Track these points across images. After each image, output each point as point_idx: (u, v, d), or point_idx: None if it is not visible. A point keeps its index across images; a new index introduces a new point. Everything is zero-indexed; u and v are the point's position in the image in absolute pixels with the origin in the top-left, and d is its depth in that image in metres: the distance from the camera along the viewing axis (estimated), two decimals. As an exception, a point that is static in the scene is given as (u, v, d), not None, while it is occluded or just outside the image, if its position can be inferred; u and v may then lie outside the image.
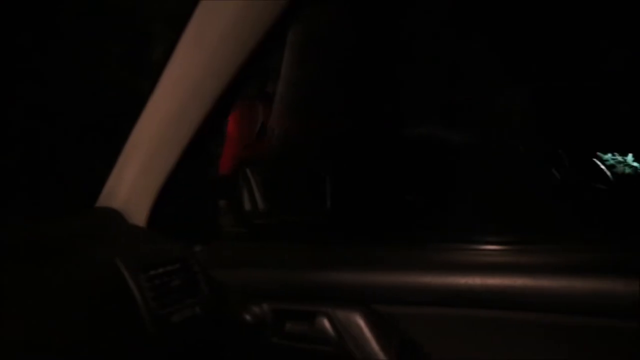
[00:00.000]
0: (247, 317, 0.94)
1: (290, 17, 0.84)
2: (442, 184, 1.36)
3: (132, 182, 1.01)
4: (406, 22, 1.40)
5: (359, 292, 0.92)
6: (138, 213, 1.03)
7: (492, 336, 0.88)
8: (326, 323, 0.91)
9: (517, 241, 0.96)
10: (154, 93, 0.92)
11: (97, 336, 0.75)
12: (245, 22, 0.81)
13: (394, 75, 1.38)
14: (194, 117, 0.92)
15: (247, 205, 1.15)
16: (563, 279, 0.82)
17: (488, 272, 0.88)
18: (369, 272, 0.92)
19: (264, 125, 1.30)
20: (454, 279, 0.89)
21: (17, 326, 0.64)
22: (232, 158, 1.32)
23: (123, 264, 0.84)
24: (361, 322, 0.89)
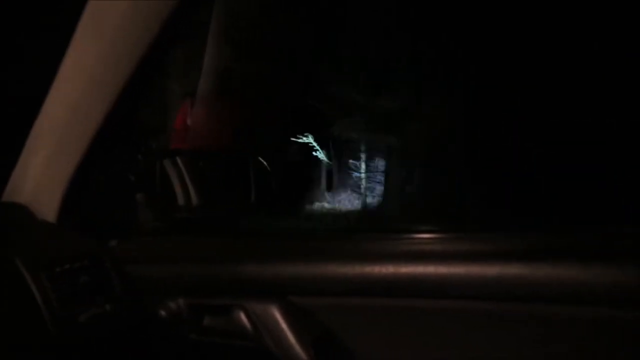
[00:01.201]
0: (163, 312, 0.92)
1: (190, 5, 0.81)
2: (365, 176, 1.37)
3: (39, 176, 0.96)
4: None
5: (276, 284, 0.91)
6: (47, 208, 0.98)
7: (411, 325, 0.89)
8: (243, 317, 0.90)
9: (433, 230, 0.98)
10: (54, 84, 0.87)
11: None
12: (140, 13, 0.78)
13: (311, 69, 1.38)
14: (97, 109, 0.87)
15: (166, 199, 1.12)
16: (484, 266, 0.83)
17: (404, 261, 0.89)
18: (286, 263, 0.92)
19: (186, 119, 1.27)
20: (371, 268, 0.89)
21: None
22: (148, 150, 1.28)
23: (22, 263, 0.79)
24: (278, 315, 0.89)
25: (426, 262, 0.87)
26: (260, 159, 1.18)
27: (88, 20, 0.78)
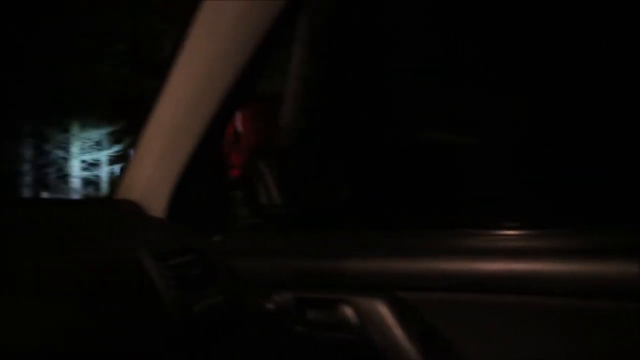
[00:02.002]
0: (269, 305, 0.94)
1: (299, 6, 0.83)
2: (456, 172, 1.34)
3: (150, 174, 1.01)
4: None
5: (380, 279, 0.91)
6: (156, 204, 1.03)
7: (517, 322, 0.87)
8: (348, 311, 0.90)
9: (535, 226, 0.95)
10: (167, 86, 0.92)
11: (121, 326, 0.75)
12: (255, 10, 0.80)
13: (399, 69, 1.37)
14: (208, 108, 0.91)
15: (262, 196, 1.14)
16: (583, 263, 0.81)
17: (510, 257, 0.87)
18: (391, 259, 0.91)
19: (276, 119, 1.30)
20: (478, 264, 0.88)
21: (38, 311, 0.65)
22: (247, 150, 1.32)
23: (145, 254, 0.83)
24: (383, 310, 0.88)
25: (535, 259, 0.85)
26: (352, 156, 1.18)
27: (202, 21, 0.82)
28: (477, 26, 1.35)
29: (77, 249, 0.80)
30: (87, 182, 11.52)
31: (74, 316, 0.69)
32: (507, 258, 0.87)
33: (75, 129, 10.69)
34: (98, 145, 11.00)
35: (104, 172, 11.38)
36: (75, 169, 11.15)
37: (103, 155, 11.09)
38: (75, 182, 11.23)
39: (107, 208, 1.02)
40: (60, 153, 10.78)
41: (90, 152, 11.03)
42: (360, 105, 1.34)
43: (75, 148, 10.93)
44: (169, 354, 0.81)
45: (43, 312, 0.65)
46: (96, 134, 10.78)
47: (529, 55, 1.32)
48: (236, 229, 1.09)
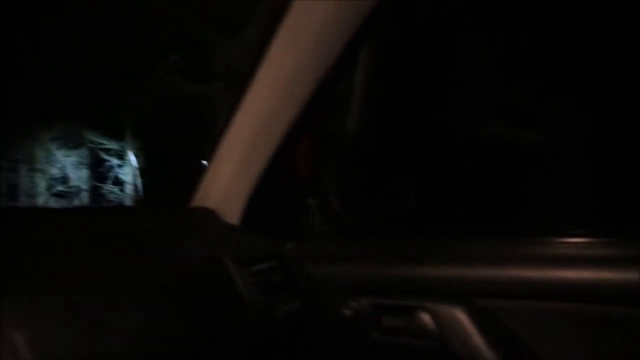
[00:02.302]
0: (346, 311, 0.95)
1: (378, 15, 0.84)
2: (522, 178, 1.32)
3: (227, 182, 1.05)
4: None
5: (458, 286, 0.90)
6: (232, 212, 1.06)
7: (596, 331, 0.84)
8: (427, 317, 0.90)
9: (606, 233, 0.92)
10: (247, 95, 0.94)
11: (206, 329, 0.78)
12: (338, 21, 0.82)
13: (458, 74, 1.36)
14: (287, 117, 0.94)
15: (335, 203, 1.16)
16: None
17: (589, 266, 0.85)
18: (468, 266, 0.91)
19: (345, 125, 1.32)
20: (555, 272, 0.86)
21: (128, 313, 0.68)
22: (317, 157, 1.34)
23: (230, 261, 0.86)
24: (463, 317, 0.87)
25: (608, 267, 0.82)
26: (422, 163, 1.18)
27: (284, 33, 0.84)
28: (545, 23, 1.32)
29: (165, 255, 0.84)
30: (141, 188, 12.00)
31: (162, 318, 0.72)
32: (579, 266, 0.85)
33: (129, 138, 11.15)
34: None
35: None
36: (129, 176, 11.61)
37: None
38: (129, 189, 11.68)
39: (186, 215, 1.06)
40: (116, 161, 11.26)
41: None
42: (426, 110, 1.34)
43: (129, 156, 11.39)
44: (252, 357, 0.83)
45: (133, 314, 0.69)
46: (149, 142, 11.20)
47: (601, 50, 1.28)
48: (309, 236, 1.11)
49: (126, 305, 0.69)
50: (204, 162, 1.17)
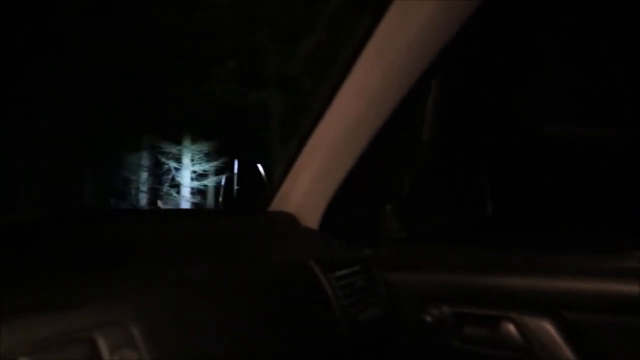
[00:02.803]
0: (427, 318, 0.95)
1: (472, 25, 0.84)
2: (601, 184, 1.27)
3: (307, 188, 1.07)
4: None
5: (546, 298, 0.89)
6: (311, 217, 1.09)
7: None
8: (512, 328, 0.89)
9: None
10: (334, 101, 0.96)
11: (297, 333, 0.80)
12: (432, 28, 0.83)
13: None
14: (372, 125, 0.95)
15: (411, 210, 1.16)
16: None
17: None
18: (556, 278, 0.89)
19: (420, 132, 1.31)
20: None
21: (227, 316, 0.70)
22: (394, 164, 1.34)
23: (316, 265, 0.88)
24: (552, 329, 0.86)
25: None
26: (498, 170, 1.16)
27: (375, 43, 0.85)
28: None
29: (254, 259, 0.87)
30: (197, 192, 12.37)
31: (258, 321, 0.75)
32: None
33: (186, 142, 11.53)
34: (206, 157, 11.77)
35: (210, 182, 12.14)
36: (186, 179, 12.00)
37: (210, 167, 11.85)
38: (186, 191, 12.08)
39: (267, 219, 1.09)
40: (173, 164, 11.67)
41: (199, 163, 11.85)
42: (504, 114, 1.32)
43: (186, 159, 11.78)
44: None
45: (233, 317, 0.72)
46: (205, 146, 11.55)
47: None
48: (386, 242, 1.11)
49: (226, 308, 0.72)
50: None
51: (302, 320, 0.82)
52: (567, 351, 0.84)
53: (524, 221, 1.22)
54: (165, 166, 11.67)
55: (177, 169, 11.82)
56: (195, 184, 12.16)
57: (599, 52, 1.36)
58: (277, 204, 1.14)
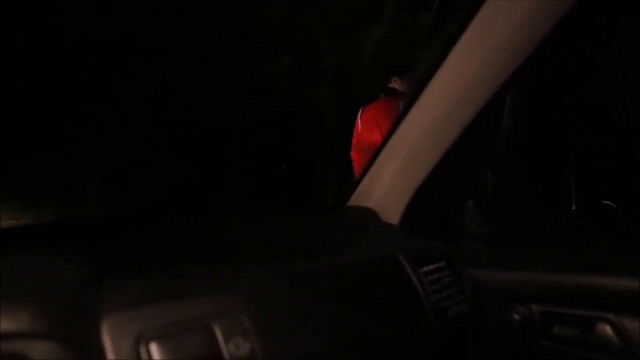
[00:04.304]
0: (515, 317, 0.93)
1: (571, 22, 0.82)
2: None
3: (390, 183, 1.07)
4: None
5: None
6: (392, 213, 1.09)
7: None
8: (608, 330, 0.86)
9: None
10: (421, 98, 0.96)
11: (386, 324, 0.80)
12: (527, 27, 0.81)
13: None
14: (459, 123, 0.94)
15: (493, 206, 1.14)
16: None
17: None
18: None
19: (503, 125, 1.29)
20: None
21: (324, 310, 0.72)
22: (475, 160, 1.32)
23: (405, 259, 0.89)
24: None
25: None
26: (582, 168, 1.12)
27: (470, 38, 0.85)
28: None
29: (343, 251, 0.89)
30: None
31: (352, 315, 0.76)
32: None
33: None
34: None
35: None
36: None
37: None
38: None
39: (349, 214, 1.11)
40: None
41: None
42: (587, 107, 1.28)
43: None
44: (429, 358, 0.85)
45: (329, 311, 0.73)
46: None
47: None
48: (467, 239, 1.10)
49: (325, 300, 0.74)
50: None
51: (394, 314, 0.83)
52: None
53: (610, 218, 1.17)
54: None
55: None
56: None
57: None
58: (356, 200, 1.15)
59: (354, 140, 2.95)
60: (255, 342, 0.61)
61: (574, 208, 1.17)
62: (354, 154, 2.97)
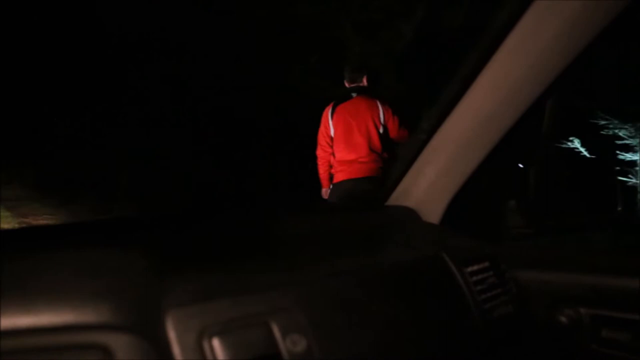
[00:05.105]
0: (562, 319, 0.92)
1: (622, 19, 0.80)
2: None
3: (430, 182, 1.07)
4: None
5: None
6: (432, 211, 1.09)
7: None
8: None
9: None
10: (463, 99, 0.95)
11: (432, 323, 0.80)
12: (579, 25, 0.80)
13: None
14: (506, 122, 0.93)
15: (536, 206, 1.13)
16: None
17: None
18: None
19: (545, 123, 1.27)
20: None
21: (367, 306, 0.72)
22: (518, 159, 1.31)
23: (449, 258, 0.89)
24: None
25: None
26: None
27: (516, 37, 0.84)
28: None
29: (387, 250, 0.89)
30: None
31: (396, 310, 0.76)
32: None
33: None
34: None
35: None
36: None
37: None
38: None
39: (389, 213, 1.11)
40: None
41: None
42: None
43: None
44: (474, 356, 0.85)
45: (377, 309, 0.74)
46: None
47: None
48: (509, 239, 1.09)
49: (374, 298, 0.74)
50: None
51: (441, 314, 0.83)
52: None
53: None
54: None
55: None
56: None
57: None
58: (396, 199, 1.15)
59: (321, 137, 3.22)
60: (311, 338, 0.61)
61: (619, 208, 1.15)
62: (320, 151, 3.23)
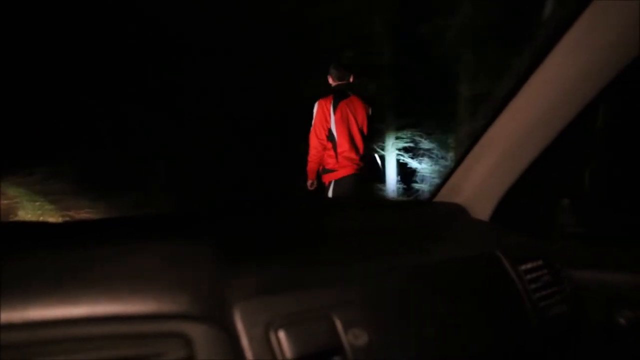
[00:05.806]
0: (620, 320, 0.90)
1: None
2: None
3: (481, 180, 1.06)
4: None
5: None
6: (482, 209, 1.07)
7: None
8: None
9: None
10: (518, 96, 0.94)
11: (488, 321, 0.80)
12: (632, 30, 0.78)
13: None
14: (560, 120, 0.92)
15: (590, 205, 1.10)
16: None
17: None
18: None
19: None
20: None
21: (423, 303, 0.72)
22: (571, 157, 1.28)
23: (504, 256, 0.88)
24: None
25: None
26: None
27: (573, 37, 0.82)
28: None
29: (441, 248, 0.89)
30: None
31: (450, 308, 0.76)
32: None
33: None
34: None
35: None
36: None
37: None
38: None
39: (439, 210, 1.10)
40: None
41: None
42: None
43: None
44: (529, 355, 0.83)
45: (429, 303, 0.73)
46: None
47: None
48: (561, 237, 1.07)
49: (430, 296, 0.74)
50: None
51: (496, 311, 0.82)
52: None
53: None
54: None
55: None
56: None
57: None
58: (445, 195, 1.14)
59: (319, 126, 3.31)
60: (371, 332, 0.62)
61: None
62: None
